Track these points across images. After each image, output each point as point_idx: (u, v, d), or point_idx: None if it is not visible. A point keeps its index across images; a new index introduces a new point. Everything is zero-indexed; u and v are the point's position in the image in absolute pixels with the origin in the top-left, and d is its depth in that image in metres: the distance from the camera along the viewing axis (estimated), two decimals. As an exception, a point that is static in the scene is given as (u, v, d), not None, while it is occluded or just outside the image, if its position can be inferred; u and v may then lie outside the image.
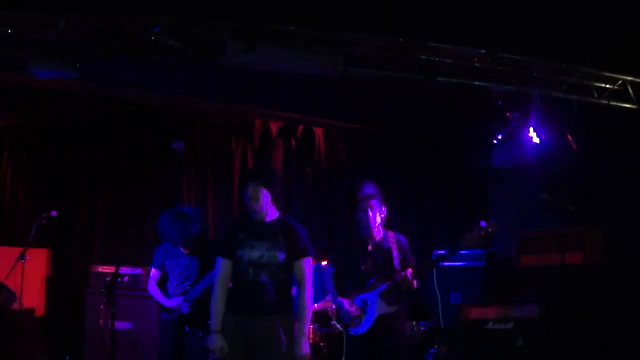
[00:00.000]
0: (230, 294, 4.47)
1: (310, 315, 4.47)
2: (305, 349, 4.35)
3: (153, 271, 6.02)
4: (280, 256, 4.40)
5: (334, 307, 6.70)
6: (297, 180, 8.94)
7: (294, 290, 4.74)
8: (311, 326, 6.69)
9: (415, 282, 5.19)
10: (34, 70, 5.86)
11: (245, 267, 4.40)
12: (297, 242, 4.48)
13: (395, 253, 5.33)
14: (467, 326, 6.84)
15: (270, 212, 4.54)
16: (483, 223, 5.17)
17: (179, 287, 5.91)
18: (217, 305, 4.45)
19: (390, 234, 5.46)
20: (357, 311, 5.28)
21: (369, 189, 5.39)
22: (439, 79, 6.34)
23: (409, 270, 5.18)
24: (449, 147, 8.97)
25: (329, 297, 7.03)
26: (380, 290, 5.25)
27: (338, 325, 5.40)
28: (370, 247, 5.37)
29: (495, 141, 7.80)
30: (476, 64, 6.40)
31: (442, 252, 7.27)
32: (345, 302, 5.34)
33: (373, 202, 5.33)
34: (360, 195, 5.38)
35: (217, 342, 4.36)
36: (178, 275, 5.93)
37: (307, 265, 4.50)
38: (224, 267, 4.50)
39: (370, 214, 5.32)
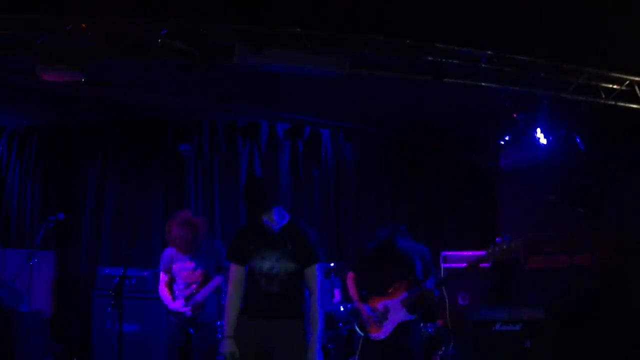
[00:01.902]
0: (243, 300, 4.46)
1: (323, 321, 4.41)
2: (318, 357, 4.31)
3: (162, 275, 6.05)
4: (291, 266, 4.40)
5: (342, 309, 6.72)
6: (304, 181, 8.93)
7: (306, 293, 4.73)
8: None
9: (436, 291, 5.32)
10: (42, 72, 5.88)
11: (257, 278, 4.40)
12: (306, 247, 4.46)
13: (417, 262, 5.44)
14: (475, 328, 6.81)
15: (281, 218, 4.52)
16: (507, 237, 5.19)
17: (185, 291, 5.95)
18: (231, 311, 4.44)
19: (413, 243, 5.62)
20: (378, 317, 5.32)
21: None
22: (446, 80, 6.33)
23: (431, 279, 5.31)
24: (456, 148, 8.94)
25: (335, 300, 7.04)
26: (402, 298, 5.32)
27: (358, 330, 5.43)
28: (392, 257, 5.47)
29: (502, 142, 7.79)
30: (483, 65, 6.38)
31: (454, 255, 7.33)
32: (367, 308, 5.41)
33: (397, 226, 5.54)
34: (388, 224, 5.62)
35: (229, 347, 4.36)
36: (184, 279, 5.95)
37: (317, 271, 4.47)
38: (237, 273, 4.49)
39: (393, 237, 5.50)
